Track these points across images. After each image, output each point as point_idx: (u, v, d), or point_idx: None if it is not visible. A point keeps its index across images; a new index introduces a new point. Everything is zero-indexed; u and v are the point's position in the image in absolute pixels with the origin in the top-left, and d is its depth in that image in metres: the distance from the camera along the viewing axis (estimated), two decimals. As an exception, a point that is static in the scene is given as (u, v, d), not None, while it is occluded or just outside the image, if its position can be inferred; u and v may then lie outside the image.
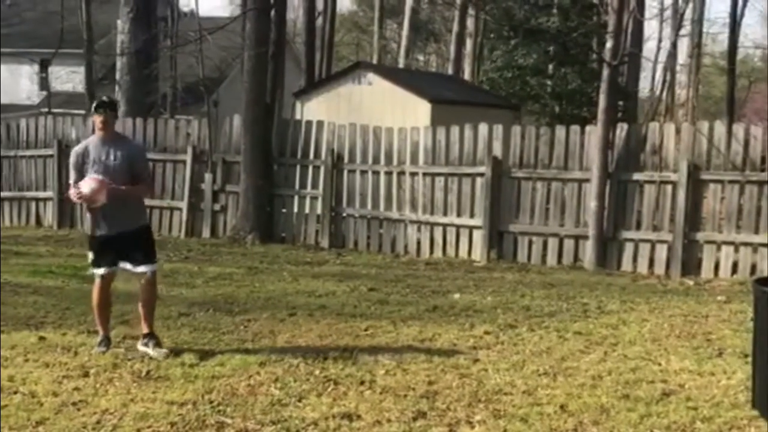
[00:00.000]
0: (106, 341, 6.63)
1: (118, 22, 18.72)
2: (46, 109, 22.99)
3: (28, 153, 15.57)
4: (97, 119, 6.52)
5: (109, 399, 5.38)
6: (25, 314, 7.81)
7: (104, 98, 6.84)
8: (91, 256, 6.63)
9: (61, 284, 9.53)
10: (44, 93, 29.79)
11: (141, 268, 6.58)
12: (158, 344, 6.53)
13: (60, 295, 8.85)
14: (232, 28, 17.56)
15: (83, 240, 13.42)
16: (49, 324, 7.49)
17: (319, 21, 25.81)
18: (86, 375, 5.90)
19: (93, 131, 6.93)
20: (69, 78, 29.46)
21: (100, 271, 6.59)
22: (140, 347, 6.53)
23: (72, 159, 6.61)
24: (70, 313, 7.93)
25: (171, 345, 6.70)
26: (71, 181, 6.57)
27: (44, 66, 30.38)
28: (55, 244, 13.10)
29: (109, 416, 5.08)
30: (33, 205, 15.54)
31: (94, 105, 6.64)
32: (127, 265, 6.58)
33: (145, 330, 6.59)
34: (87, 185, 6.33)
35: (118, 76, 18.99)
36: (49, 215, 15.29)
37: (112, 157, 6.46)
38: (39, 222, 15.44)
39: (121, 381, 5.79)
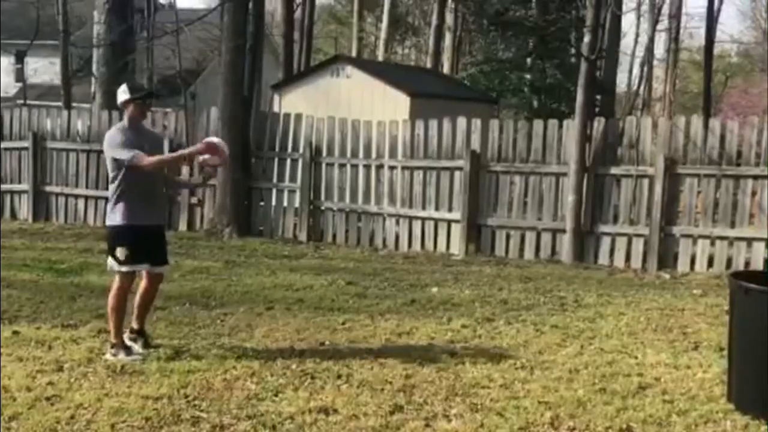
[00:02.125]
0: (127, 348, 6.23)
1: (95, 13, 18.52)
2: (22, 101, 22.79)
3: (3, 145, 15.39)
4: (137, 108, 6.22)
5: (84, 394, 5.33)
6: (-2, 308, 7.72)
7: (144, 85, 6.37)
8: (123, 251, 6.10)
9: (36, 278, 9.42)
10: (20, 84, 29.54)
11: (160, 269, 6.39)
12: (147, 343, 6.39)
13: (34, 288, 8.75)
14: (210, 20, 17.49)
15: (58, 233, 13.42)
16: (23, 318, 7.40)
17: (298, 13, 25.70)
18: (60, 369, 5.84)
19: (121, 118, 6.60)
20: (45, 69, 29.21)
21: (134, 267, 6.17)
22: (126, 342, 6.26)
23: (123, 137, 6.12)
24: (44, 307, 7.84)
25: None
26: (128, 156, 6.04)
27: (20, 57, 30.10)
28: (30, 237, 12.97)
29: (83, 411, 5.03)
30: (8, 198, 15.39)
31: (133, 94, 6.22)
32: (147, 266, 6.25)
33: (137, 326, 6.41)
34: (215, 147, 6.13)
35: (94, 67, 18.81)
36: (24, 208, 15.15)
37: (147, 147, 6.22)
38: (14, 215, 15.29)
39: (96, 376, 5.73)
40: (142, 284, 6.40)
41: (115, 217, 6.18)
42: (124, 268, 6.17)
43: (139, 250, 6.15)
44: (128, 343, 6.29)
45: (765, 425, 4.99)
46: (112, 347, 6.21)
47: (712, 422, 5.08)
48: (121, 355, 6.12)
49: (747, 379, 5.26)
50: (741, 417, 5.13)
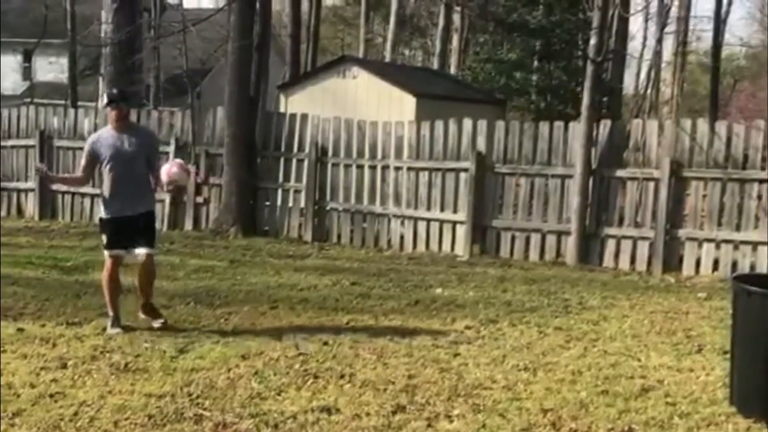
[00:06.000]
0: (118, 321, 6.94)
1: (102, 12, 18.61)
2: (29, 99, 22.86)
3: (9, 143, 15.46)
4: (111, 113, 6.91)
5: (87, 391, 5.35)
6: (3, 305, 7.74)
7: (114, 91, 7.48)
8: (104, 237, 6.98)
9: (41, 275, 9.46)
10: (27, 83, 29.62)
11: (140, 250, 6.90)
12: (158, 315, 7.13)
13: (39, 286, 8.78)
14: (217, 20, 17.52)
15: (64, 231, 13.44)
16: (28, 315, 7.43)
17: (305, 9, 25.72)
18: (64, 366, 5.86)
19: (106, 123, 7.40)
20: (52, 68, 29.27)
21: (112, 252, 6.92)
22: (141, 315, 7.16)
23: (87, 147, 7.03)
24: (49, 305, 7.87)
25: (151, 337, 6.69)
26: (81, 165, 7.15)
27: (27, 56, 30.19)
28: (35, 234, 13.02)
29: (87, 408, 5.04)
30: (14, 195, 15.43)
31: (106, 100, 7.12)
32: (133, 250, 6.93)
33: (143, 299, 7.14)
34: (176, 174, 6.91)
35: (101, 67, 18.89)
36: (31, 206, 15.19)
37: (127, 145, 6.87)
38: (20, 212, 15.33)
39: (99, 373, 5.75)
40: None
41: (100, 209, 7.15)
42: (107, 252, 7.00)
43: (115, 237, 6.90)
44: (142, 316, 7.11)
45: (767, 429, 4.98)
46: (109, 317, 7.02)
47: (714, 425, 5.07)
48: (109, 326, 6.88)
49: (749, 382, 5.26)
50: (743, 420, 5.12)
